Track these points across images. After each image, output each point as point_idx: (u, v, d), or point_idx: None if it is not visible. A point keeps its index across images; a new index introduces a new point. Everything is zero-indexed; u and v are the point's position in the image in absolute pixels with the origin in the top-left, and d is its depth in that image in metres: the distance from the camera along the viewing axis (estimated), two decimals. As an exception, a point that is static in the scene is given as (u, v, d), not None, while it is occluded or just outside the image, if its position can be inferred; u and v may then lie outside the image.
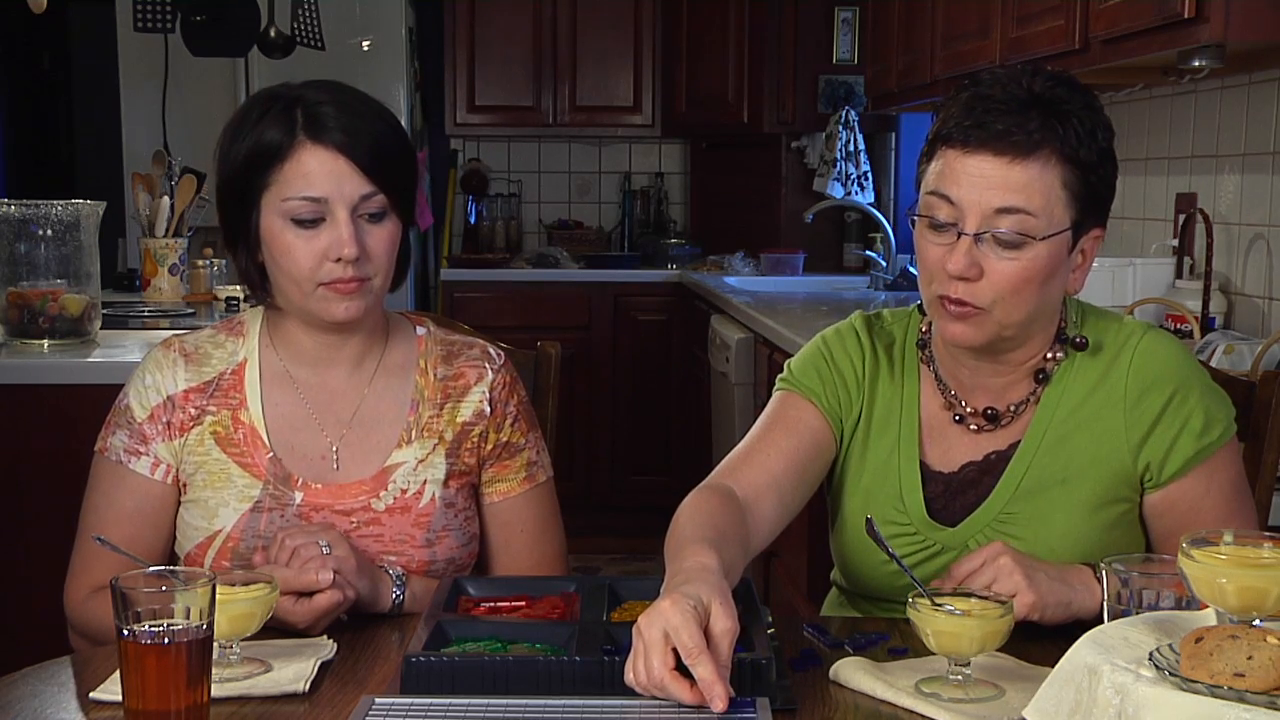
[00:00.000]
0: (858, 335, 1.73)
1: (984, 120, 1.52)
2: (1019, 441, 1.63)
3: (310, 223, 1.62)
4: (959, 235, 1.53)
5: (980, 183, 1.52)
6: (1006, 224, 1.51)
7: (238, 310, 3.33)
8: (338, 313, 1.65)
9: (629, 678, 1.25)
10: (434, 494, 1.72)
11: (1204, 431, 1.58)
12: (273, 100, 1.66)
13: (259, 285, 1.72)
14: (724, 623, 1.25)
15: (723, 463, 1.66)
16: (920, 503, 1.64)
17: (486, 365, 1.79)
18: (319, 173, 1.62)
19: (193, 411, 1.71)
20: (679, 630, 1.22)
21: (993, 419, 1.65)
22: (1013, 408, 1.64)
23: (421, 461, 1.73)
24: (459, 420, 1.75)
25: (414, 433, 1.73)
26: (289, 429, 1.72)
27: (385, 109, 1.71)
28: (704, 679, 1.21)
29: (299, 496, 1.69)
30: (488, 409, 1.77)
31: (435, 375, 1.77)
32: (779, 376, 1.75)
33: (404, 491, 1.71)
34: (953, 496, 1.64)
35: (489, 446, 1.77)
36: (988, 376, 1.65)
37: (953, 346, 1.63)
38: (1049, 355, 1.63)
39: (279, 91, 1.68)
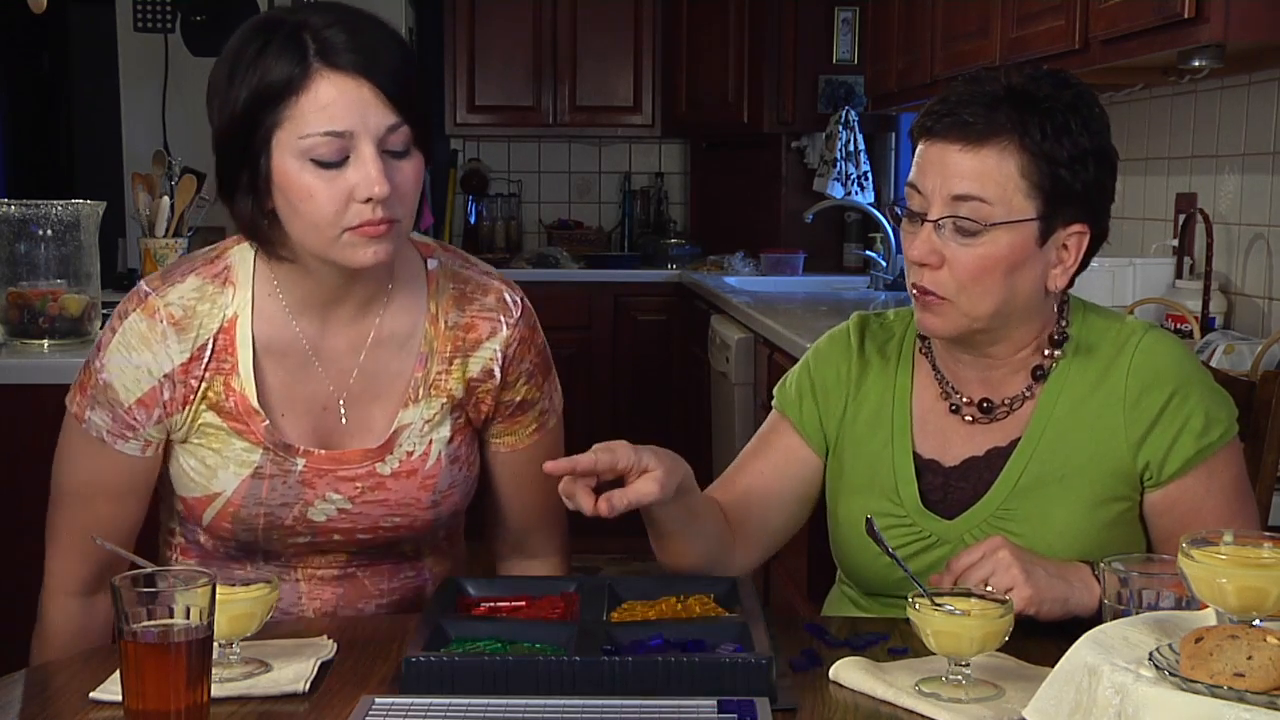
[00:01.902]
0: (848, 336, 1.76)
1: (953, 109, 1.55)
2: (1020, 438, 1.63)
3: (333, 163, 1.46)
4: (923, 223, 1.56)
5: (940, 170, 1.55)
6: (964, 210, 1.54)
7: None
8: (365, 258, 1.49)
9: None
10: (440, 453, 1.66)
11: (1204, 431, 1.58)
12: (272, 27, 1.49)
13: (267, 235, 1.54)
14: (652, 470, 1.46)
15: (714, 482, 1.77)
16: (915, 495, 1.65)
17: (501, 319, 1.67)
18: (340, 103, 1.45)
19: (193, 383, 1.59)
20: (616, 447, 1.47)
21: (987, 410, 1.66)
22: (1007, 401, 1.65)
23: (428, 422, 1.65)
24: (468, 376, 1.66)
25: (421, 390, 1.64)
26: (291, 383, 1.61)
27: (395, 30, 1.54)
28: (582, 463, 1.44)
29: (301, 463, 1.62)
30: (497, 370, 1.67)
31: (446, 323, 1.65)
32: (775, 387, 1.80)
33: (410, 454, 1.64)
34: (951, 490, 1.65)
35: (495, 405, 1.70)
36: (981, 369, 1.66)
37: (930, 336, 1.66)
38: (1046, 353, 1.64)
39: (277, 17, 1.50)
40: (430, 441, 1.65)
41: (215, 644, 1.29)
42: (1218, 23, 2.13)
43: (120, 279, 4.19)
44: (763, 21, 5.30)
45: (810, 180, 5.37)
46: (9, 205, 2.90)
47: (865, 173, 5.14)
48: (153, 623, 1.21)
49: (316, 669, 1.39)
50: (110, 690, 1.32)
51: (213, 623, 1.24)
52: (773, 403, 1.78)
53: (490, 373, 1.68)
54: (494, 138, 5.91)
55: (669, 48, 5.62)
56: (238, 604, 1.37)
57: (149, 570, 1.31)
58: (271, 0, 4.24)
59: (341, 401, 1.64)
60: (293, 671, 1.38)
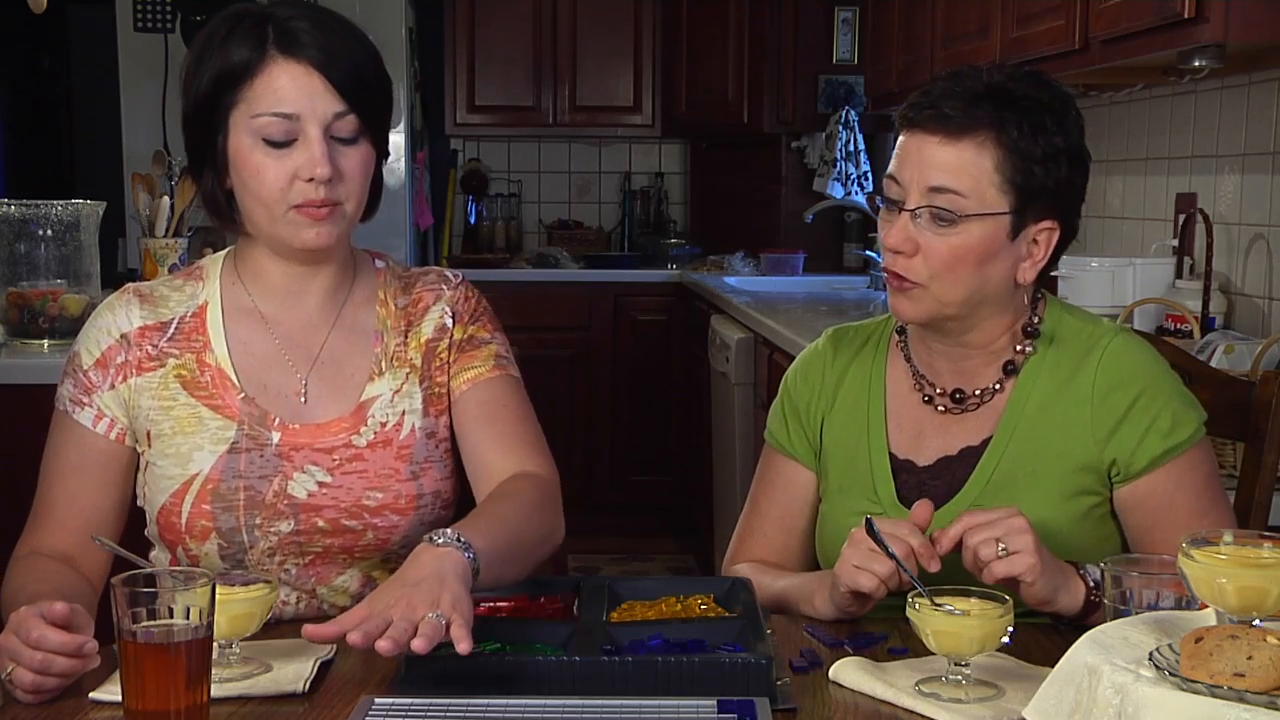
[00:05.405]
0: (820, 351, 1.80)
1: (934, 102, 1.59)
2: (991, 436, 1.66)
3: (281, 143, 1.56)
4: (900, 211, 1.60)
5: (918, 161, 1.59)
6: (940, 201, 1.58)
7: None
8: (308, 239, 1.59)
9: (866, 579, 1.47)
10: (414, 425, 1.69)
11: (1172, 431, 1.60)
12: (241, 17, 1.60)
13: (226, 212, 1.65)
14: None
15: (734, 535, 1.81)
16: (892, 492, 1.68)
17: (443, 285, 1.76)
18: (290, 88, 1.56)
19: (150, 350, 1.65)
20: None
21: (959, 401, 1.69)
22: (978, 393, 1.68)
23: (397, 392, 1.69)
24: (423, 340, 1.72)
25: (384, 364, 1.70)
26: (260, 367, 1.67)
27: (361, 32, 1.64)
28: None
29: (276, 436, 1.65)
30: (449, 321, 1.73)
31: (395, 305, 1.73)
32: (769, 416, 1.83)
33: (383, 425, 1.68)
34: (926, 488, 1.67)
35: (454, 350, 1.72)
36: (955, 359, 1.69)
37: (903, 322, 1.69)
38: (1018, 348, 1.67)
39: (248, 9, 1.61)
40: (403, 413, 1.69)
41: (215, 644, 1.29)
42: (1218, 23, 2.13)
43: (120, 279, 4.18)
44: (763, 21, 5.30)
45: (810, 180, 5.37)
46: (9, 205, 2.90)
47: (865, 173, 5.14)
48: (153, 623, 1.21)
49: (316, 669, 1.39)
50: (110, 690, 1.32)
51: (213, 623, 1.24)
52: (764, 435, 1.82)
53: (444, 328, 1.74)
54: (494, 138, 5.91)
55: (669, 48, 5.63)
56: (238, 604, 1.37)
57: (149, 570, 1.31)
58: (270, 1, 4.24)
59: (305, 384, 1.68)
60: (293, 671, 1.38)
